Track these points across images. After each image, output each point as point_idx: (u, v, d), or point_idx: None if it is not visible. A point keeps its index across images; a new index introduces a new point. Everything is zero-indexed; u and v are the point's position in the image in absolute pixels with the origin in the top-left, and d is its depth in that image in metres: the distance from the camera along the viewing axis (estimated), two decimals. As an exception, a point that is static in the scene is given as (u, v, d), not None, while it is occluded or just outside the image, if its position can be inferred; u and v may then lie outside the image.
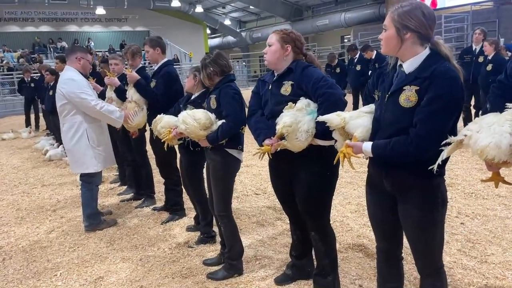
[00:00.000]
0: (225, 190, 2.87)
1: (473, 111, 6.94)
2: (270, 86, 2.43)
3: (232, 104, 2.73)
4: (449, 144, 1.63)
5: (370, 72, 8.11)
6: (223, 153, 2.80)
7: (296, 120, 2.19)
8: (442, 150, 1.65)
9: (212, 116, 2.80)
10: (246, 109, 2.78)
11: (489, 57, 6.23)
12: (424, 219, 1.85)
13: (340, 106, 2.18)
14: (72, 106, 3.68)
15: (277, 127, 2.24)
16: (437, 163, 1.64)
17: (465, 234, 3.26)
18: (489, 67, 6.10)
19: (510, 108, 1.50)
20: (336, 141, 2.08)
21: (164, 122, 3.21)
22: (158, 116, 3.29)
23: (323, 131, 2.15)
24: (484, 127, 1.50)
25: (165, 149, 3.24)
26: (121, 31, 26.80)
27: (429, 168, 1.66)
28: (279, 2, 24.59)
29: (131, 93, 3.99)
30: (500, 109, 1.54)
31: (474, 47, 6.87)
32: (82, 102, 3.64)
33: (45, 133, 10.21)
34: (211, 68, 2.78)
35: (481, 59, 6.53)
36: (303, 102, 2.25)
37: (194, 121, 2.74)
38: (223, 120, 2.74)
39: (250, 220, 3.91)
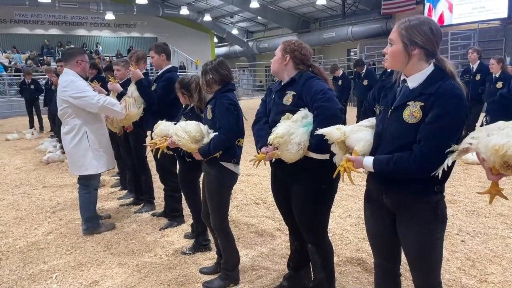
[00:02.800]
0: (220, 204, 2.81)
1: None
2: (273, 95, 2.45)
3: (225, 115, 2.66)
4: (452, 152, 1.61)
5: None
6: (218, 167, 2.74)
7: (289, 132, 2.19)
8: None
9: (204, 128, 2.75)
10: (245, 120, 2.78)
11: (496, 75, 6.21)
12: (423, 235, 1.82)
13: (335, 120, 2.13)
14: (73, 109, 3.70)
15: (270, 137, 2.25)
16: (442, 167, 1.61)
17: (465, 252, 3.22)
18: (499, 85, 6.07)
19: None
20: (331, 154, 2.06)
21: (158, 129, 3.20)
22: (159, 121, 3.29)
23: (317, 144, 2.15)
24: (495, 131, 1.47)
25: (158, 156, 3.23)
26: (129, 36, 27.07)
27: (432, 174, 1.64)
28: (287, 14, 24.76)
29: (132, 89, 4.06)
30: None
31: (471, 66, 6.90)
32: (84, 100, 3.66)
33: (49, 134, 10.26)
34: (210, 76, 2.73)
35: (478, 77, 6.56)
36: (300, 113, 2.25)
37: (185, 133, 2.71)
38: (216, 133, 2.69)
39: (249, 229, 3.89)
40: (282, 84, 2.42)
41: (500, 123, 1.51)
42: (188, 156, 3.06)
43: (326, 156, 2.22)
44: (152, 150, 3.26)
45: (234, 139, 2.72)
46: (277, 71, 2.42)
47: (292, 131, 2.19)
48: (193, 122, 2.80)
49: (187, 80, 3.17)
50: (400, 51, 1.76)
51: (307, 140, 2.20)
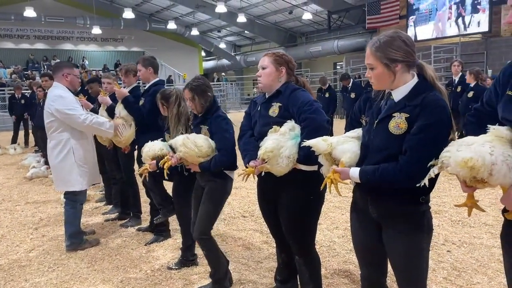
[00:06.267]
0: (217, 211, 2.86)
1: None
2: (259, 107, 2.45)
3: (225, 137, 2.73)
4: (433, 166, 1.62)
5: None
6: (223, 174, 2.80)
7: (278, 146, 2.18)
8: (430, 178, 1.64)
9: (213, 144, 2.76)
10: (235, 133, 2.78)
11: (471, 85, 6.43)
12: (409, 246, 1.83)
13: (321, 132, 2.14)
14: (60, 123, 3.66)
15: (259, 152, 2.24)
16: (424, 181, 1.62)
17: (451, 262, 3.24)
18: (470, 94, 6.28)
19: (490, 130, 1.51)
20: (319, 166, 2.06)
21: (144, 153, 3.21)
22: (145, 145, 3.27)
23: (305, 156, 2.15)
24: (464, 146, 1.50)
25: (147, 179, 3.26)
26: (116, 51, 27.04)
27: (417, 185, 1.64)
28: (274, 28, 25.06)
29: (119, 109, 4.01)
30: (477, 136, 1.55)
31: (453, 78, 7.11)
32: (71, 118, 3.62)
33: (34, 149, 10.10)
34: (209, 94, 2.78)
35: (459, 88, 6.77)
36: (287, 126, 2.25)
37: (196, 147, 2.68)
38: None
39: (236, 243, 3.85)
40: (268, 96, 2.42)
41: (469, 138, 1.53)
42: (186, 170, 3.04)
43: (315, 168, 2.22)
44: (145, 176, 3.25)
45: (232, 160, 2.76)
46: (270, 85, 2.38)
47: (282, 145, 2.19)
48: (202, 136, 2.76)
49: (168, 92, 3.19)
50: (383, 72, 1.77)
51: (296, 152, 2.20)
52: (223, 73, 28.55)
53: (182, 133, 2.97)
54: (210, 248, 2.86)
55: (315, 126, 2.19)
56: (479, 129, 1.58)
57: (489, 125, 1.53)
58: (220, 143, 2.72)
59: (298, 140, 2.21)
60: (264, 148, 2.21)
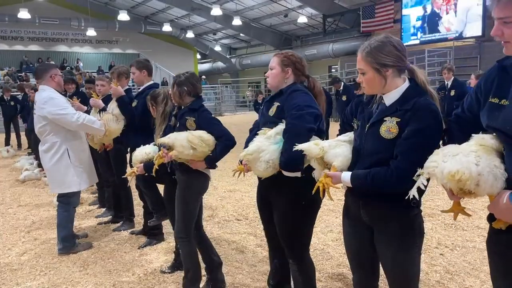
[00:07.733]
0: (195, 210, 2.84)
1: None
2: (263, 105, 2.48)
3: (218, 124, 2.76)
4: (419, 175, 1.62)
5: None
6: (198, 172, 2.78)
7: (259, 149, 2.18)
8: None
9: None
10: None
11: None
12: (401, 250, 1.83)
13: (300, 139, 2.07)
14: (52, 126, 3.63)
15: (241, 154, 2.26)
16: (412, 192, 1.61)
17: (444, 265, 3.25)
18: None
19: (474, 138, 1.51)
20: (303, 171, 2.06)
21: (134, 157, 3.23)
22: (136, 150, 3.29)
23: (286, 162, 2.15)
24: (449, 157, 1.48)
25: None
26: (111, 53, 26.95)
27: (406, 197, 1.64)
28: (269, 31, 25.11)
29: (113, 106, 4.01)
30: (458, 142, 1.55)
31: (446, 83, 7.27)
32: (64, 118, 3.60)
33: (27, 152, 10.03)
34: (185, 87, 2.78)
35: (452, 92, 6.90)
36: (276, 129, 2.25)
37: (202, 142, 2.65)
38: None
39: (230, 246, 3.84)
40: (272, 95, 2.44)
41: (453, 148, 1.52)
42: (174, 174, 3.02)
43: (298, 174, 2.21)
44: (136, 179, 3.27)
45: (234, 142, 2.76)
46: (277, 86, 2.39)
47: (263, 148, 2.18)
48: (201, 131, 2.73)
49: (156, 92, 3.22)
50: (374, 77, 1.78)
51: (277, 157, 2.18)
52: (203, 76, 28.29)
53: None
54: (186, 251, 2.85)
55: (294, 133, 2.15)
56: (461, 135, 1.59)
57: (473, 134, 1.51)
58: (217, 131, 2.73)
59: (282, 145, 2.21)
60: (246, 150, 2.24)
